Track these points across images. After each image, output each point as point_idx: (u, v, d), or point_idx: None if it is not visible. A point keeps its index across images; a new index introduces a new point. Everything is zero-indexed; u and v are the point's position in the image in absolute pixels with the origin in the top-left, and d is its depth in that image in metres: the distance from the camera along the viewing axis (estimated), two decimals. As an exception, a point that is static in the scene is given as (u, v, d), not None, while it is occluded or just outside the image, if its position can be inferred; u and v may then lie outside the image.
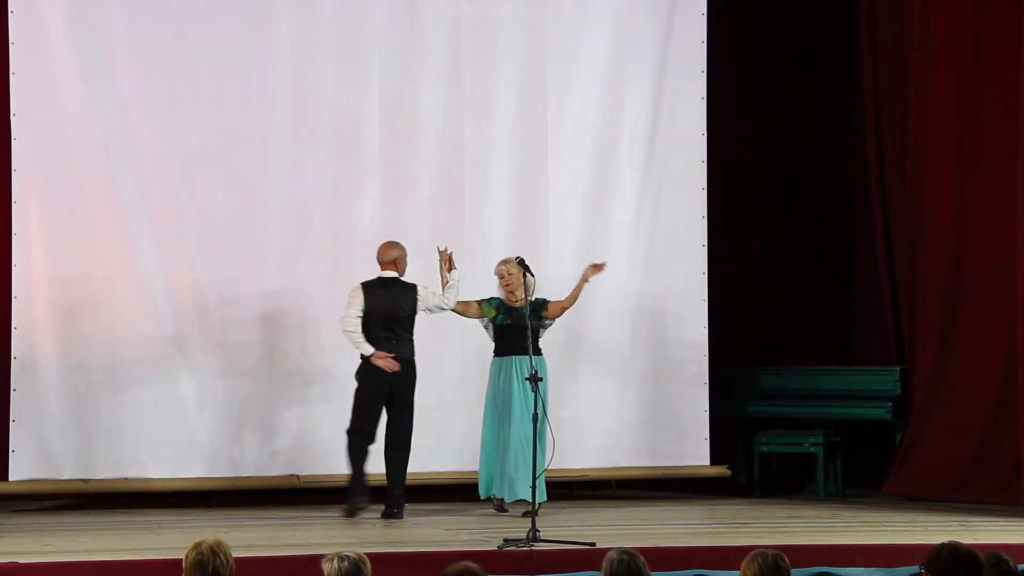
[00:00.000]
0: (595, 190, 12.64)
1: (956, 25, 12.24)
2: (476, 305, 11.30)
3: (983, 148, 12.11)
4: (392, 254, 11.08)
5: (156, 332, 11.67)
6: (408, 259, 11.13)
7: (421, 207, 12.28)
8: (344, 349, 11.71)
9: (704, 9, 12.83)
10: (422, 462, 12.13)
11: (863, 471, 13.11)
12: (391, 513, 10.91)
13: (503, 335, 11.25)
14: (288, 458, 11.87)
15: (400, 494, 10.96)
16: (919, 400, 12.52)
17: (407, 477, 11.13)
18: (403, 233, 12.15)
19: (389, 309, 11.00)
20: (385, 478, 11.04)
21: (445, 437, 12.16)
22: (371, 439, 11.02)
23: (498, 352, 11.28)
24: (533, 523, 9.46)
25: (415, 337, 11.09)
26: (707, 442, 12.73)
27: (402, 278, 11.10)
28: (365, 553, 5.87)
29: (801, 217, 13.84)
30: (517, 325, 11.00)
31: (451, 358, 12.25)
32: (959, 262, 12.27)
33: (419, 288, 11.11)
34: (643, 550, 6.06)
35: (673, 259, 12.78)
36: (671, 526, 10.77)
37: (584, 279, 11.26)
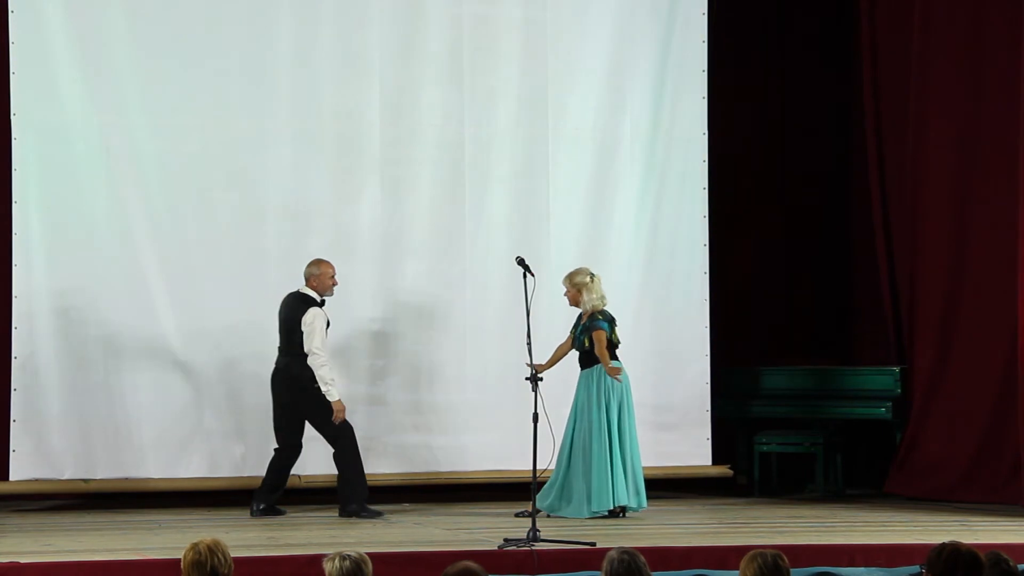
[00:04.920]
0: (596, 190, 12.64)
1: (956, 25, 12.25)
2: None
3: (983, 148, 12.11)
4: (305, 271, 11.22)
5: (156, 332, 11.67)
6: (330, 279, 11.17)
7: (421, 207, 12.28)
8: (344, 350, 11.72)
9: (704, 9, 12.84)
10: (421, 462, 12.16)
11: (863, 471, 13.12)
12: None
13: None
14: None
15: (343, 495, 11.14)
16: (919, 400, 12.52)
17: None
18: (403, 233, 12.17)
19: (283, 319, 11.18)
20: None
21: (442, 438, 12.18)
22: (278, 446, 11.23)
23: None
24: (533, 523, 9.46)
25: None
26: (709, 442, 12.73)
27: (312, 293, 11.14)
28: (366, 553, 5.87)
29: (802, 217, 13.84)
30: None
31: (449, 358, 12.25)
32: (959, 262, 12.27)
33: (310, 310, 11.07)
34: (643, 550, 6.07)
35: (674, 259, 12.78)
36: (671, 526, 10.76)
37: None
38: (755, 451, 13.03)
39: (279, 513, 11.16)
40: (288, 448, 11.17)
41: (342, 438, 11.07)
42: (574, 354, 11.27)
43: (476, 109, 12.39)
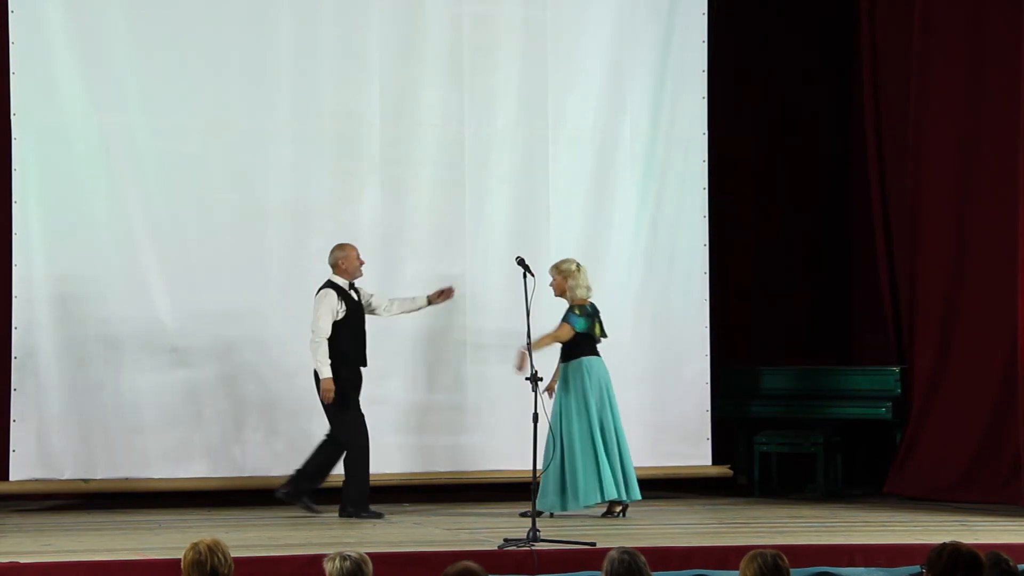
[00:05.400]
0: (595, 190, 12.64)
1: (956, 25, 12.25)
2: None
3: (983, 148, 12.11)
4: (329, 259, 11.16)
5: (156, 332, 11.67)
6: (357, 259, 11.11)
7: (421, 207, 12.28)
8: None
9: (704, 9, 12.84)
10: (421, 462, 12.16)
11: (863, 471, 13.12)
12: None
13: None
14: (288, 458, 11.85)
15: (345, 496, 11.08)
16: (919, 400, 12.52)
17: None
18: (403, 233, 12.17)
19: None
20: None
21: (442, 438, 12.19)
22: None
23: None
24: (533, 523, 9.45)
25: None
26: (709, 442, 12.74)
27: (336, 279, 11.08)
28: (366, 553, 5.87)
29: (801, 217, 13.84)
30: None
31: (449, 358, 12.26)
32: (959, 262, 12.27)
33: (320, 291, 11.02)
34: (643, 550, 6.06)
35: (674, 259, 12.78)
36: (671, 526, 10.76)
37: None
38: (755, 451, 13.03)
39: (310, 509, 11.04)
40: (333, 439, 11.08)
41: (354, 445, 10.99)
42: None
43: (476, 109, 12.39)
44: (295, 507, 11.11)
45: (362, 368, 11.09)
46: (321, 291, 11.01)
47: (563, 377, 11.09)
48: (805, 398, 12.97)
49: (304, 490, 11.14)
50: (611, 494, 10.99)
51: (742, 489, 12.93)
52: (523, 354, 10.36)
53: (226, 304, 11.78)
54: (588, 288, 11.18)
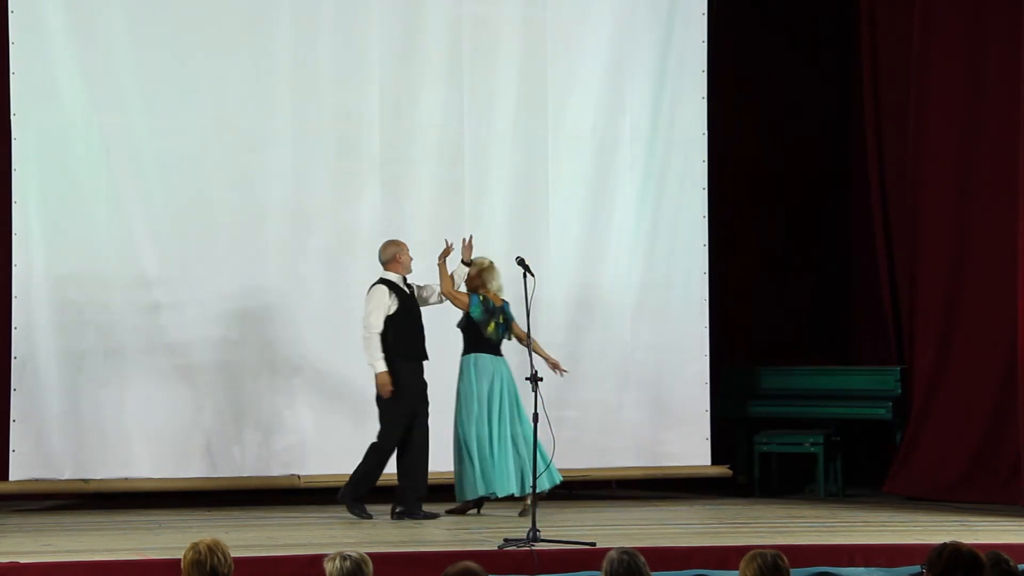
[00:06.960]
0: (595, 190, 12.64)
1: (956, 24, 12.25)
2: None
3: (983, 148, 12.11)
4: (380, 257, 11.10)
5: (156, 331, 11.67)
6: (404, 254, 11.08)
7: (421, 207, 12.29)
8: (343, 349, 11.69)
9: (704, 9, 12.84)
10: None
11: (863, 471, 13.12)
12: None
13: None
14: (288, 458, 11.87)
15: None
16: (919, 400, 12.52)
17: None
18: (403, 233, 12.14)
19: None
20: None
21: (442, 438, 12.19)
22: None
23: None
24: (533, 523, 9.46)
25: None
26: (708, 442, 12.73)
27: (389, 275, 11.03)
28: (366, 552, 5.87)
29: (801, 217, 13.84)
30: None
31: (449, 359, 12.26)
32: (959, 262, 12.27)
33: (372, 288, 10.97)
34: (643, 550, 6.06)
35: (673, 259, 12.78)
36: (671, 526, 10.76)
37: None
38: (755, 451, 13.03)
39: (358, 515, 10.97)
40: (402, 445, 11.00)
41: (380, 440, 10.91)
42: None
43: (476, 109, 12.40)
44: (340, 509, 10.99)
45: (424, 363, 11.00)
46: (372, 287, 10.95)
47: (459, 369, 11.08)
48: (805, 398, 12.97)
49: (405, 501, 10.99)
50: (499, 488, 10.99)
51: (742, 489, 12.93)
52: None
53: (226, 304, 11.77)
54: (500, 287, 11.15)
